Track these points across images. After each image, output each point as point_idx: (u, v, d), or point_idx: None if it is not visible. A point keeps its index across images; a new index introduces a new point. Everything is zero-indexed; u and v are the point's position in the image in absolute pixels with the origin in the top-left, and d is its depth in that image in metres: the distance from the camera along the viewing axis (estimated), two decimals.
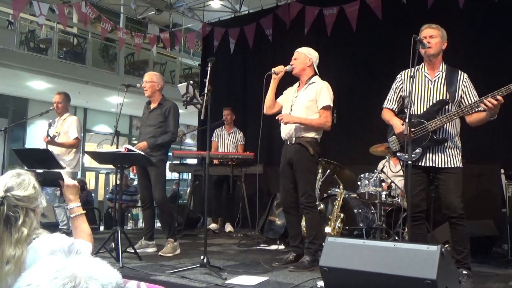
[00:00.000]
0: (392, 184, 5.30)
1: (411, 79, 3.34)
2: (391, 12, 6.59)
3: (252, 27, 8.18)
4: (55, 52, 11.55)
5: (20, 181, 1.69)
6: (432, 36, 3.47)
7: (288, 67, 4.22)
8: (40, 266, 0.86)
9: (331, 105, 4.11)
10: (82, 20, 8.56)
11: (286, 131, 4.16)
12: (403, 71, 3.68)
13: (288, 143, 4.15)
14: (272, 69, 4.21)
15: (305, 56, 4.22)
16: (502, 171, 5.32)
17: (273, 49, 8.10)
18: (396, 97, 3.69)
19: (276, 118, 4.14)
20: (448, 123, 3.43)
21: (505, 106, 3.26)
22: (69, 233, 2.00)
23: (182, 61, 15.03)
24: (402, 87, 3.65)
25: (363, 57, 7.00)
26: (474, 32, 5.99)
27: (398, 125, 3.53)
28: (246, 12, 8.88)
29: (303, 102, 4.11)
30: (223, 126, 7.11)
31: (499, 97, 3.14)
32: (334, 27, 7.14)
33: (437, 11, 6.03)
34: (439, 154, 3.43)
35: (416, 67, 3.46)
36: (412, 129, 3.41)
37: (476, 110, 3.36)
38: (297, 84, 4.34)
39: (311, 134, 4.09)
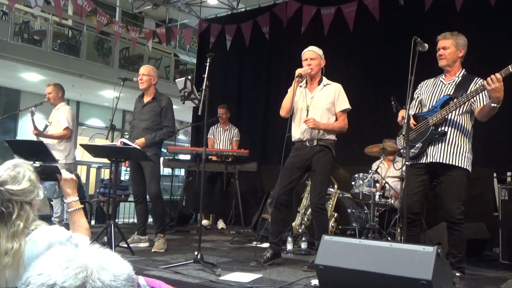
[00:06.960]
0: (386, 185, 5.33)
1: (411, 77, 3.32)
2: (389, 13, 6.59)
3: (249, 24, 8.16)
4: (49, 44, 11.41)
5: (15, 175, 1.66)
6: (445, 48, 3.56)
7: (307, 68, 4.12)
8: (50, 255, 0.85)
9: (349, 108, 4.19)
10: (78, 12, 8.48)
11: (304, 132, 4.11)
12: (424, 81, 3.79)
13: (307, 144, 4.11)
14: (299, 72, 4.07)
15: (320, 58, 4.21)
16: (495, 175, 5.36)
17: (270, 47, 8.10)
18: (415, 103, 3.78)
19: (304, 121, 4.04)
20: (451, 120, 3.46)
21: (500, 110, 3.30)
22: (61, 225, 1.98)
23: (178, 56, 14.97)
24: (419, 92, 3.76)
25: (359, 58, 7.01)
26: (471, 35, 5.98)
27: (400, 115, 3.65)
28: (243, 10, 8.86)
29: (323, 104, 4.12)
30: (218, 123, 7.10)
31: (498, 75, 3.16)
32: (331, 27, 7.14)
33: (435, 13, 6.05)
34: (439, 146, 3.46)
35: (439, 76, 3.67)
36: (415, 124, 3.56)
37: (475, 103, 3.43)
38: (303, 83, 4.23)
39: (333, 137, 4.16)
